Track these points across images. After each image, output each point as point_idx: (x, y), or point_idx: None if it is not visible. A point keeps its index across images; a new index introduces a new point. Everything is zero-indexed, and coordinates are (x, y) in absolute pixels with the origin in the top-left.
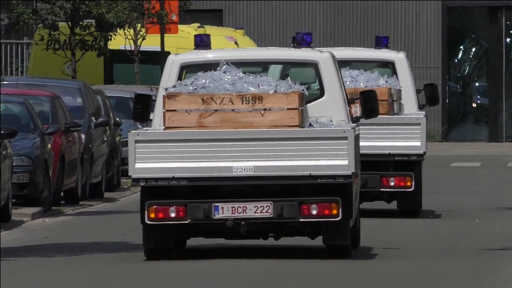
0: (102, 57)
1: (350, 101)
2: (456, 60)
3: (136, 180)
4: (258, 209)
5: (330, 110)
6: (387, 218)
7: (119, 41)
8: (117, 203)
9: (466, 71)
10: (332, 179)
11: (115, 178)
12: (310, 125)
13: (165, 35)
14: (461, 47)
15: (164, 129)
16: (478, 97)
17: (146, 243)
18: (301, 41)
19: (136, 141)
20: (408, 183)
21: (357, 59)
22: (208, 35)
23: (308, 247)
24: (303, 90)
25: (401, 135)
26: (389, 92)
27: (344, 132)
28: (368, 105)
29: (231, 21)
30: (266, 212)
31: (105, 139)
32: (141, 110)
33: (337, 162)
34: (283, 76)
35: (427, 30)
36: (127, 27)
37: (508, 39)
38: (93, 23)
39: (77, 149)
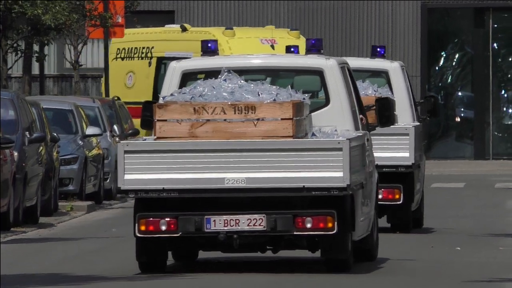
0: (153, 67)
1: (366, 109)
2: (437, 68)
3: (125, 192)
4: (251, 222)
5: (335, 119)
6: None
7: (164, 46)
8: (55, 229)
9: (449, 80)
10: (327, 191)
11: (52, 201)
12: (313, 134)
13: (188, 37)
14: (443, 53)
15: (154, 139)
16: (462, 109)
17: (139, 257)
18: (311, 47)
19: (126, 152)
20: (397, 196)
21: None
22: (215, 41)
23: (312, 260)
24: (303, 99)
25: (389, 146)
26: None
27: (339, 143)
28: (384, 113)
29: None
30: (259, 225)
31: (40, 157)
32: (150, 117)
33: (332, 174)
34: (275, 84)
35: (404, 34)
36: (66, 31)
37: (495, 44)
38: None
39: (9, 168)
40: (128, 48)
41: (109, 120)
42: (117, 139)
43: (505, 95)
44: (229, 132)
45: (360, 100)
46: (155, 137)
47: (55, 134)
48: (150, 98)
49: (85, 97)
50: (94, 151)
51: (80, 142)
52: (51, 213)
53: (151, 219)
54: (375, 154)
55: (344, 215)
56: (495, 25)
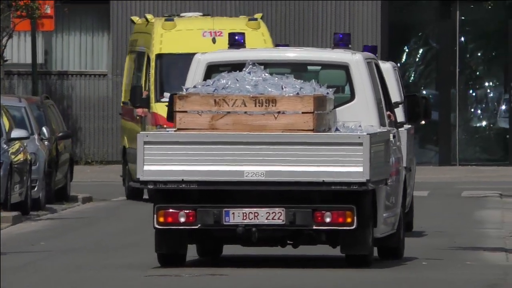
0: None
1: (394, 105)
2: (399, 64)
3: (144, 183)
4: (270, 216)
5: (360, 114)
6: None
7: (141, 39)
8: None
9: (412, 77)
10: (346, 186)
11: None
12: (337, 129)
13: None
14: (405, 48)
15: (175, 131)
16: None
17: (158, 249)
18: (339, 41)
19: (145, 143)
20: None
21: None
22: (243, 34)
23: (331, 257)
24: (327, 93)
25: None
26: None
27: (359, 138)
28: (413, 109)
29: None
30: (278, 218)
31: None
32: None
33: (352, 168)
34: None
35: (363, 27)
36: None
37: (463, 38)
38: None
39: None
40: (131, 41)
41: (37, 121)
42: (46, 142)
43: (473, 94)
44: (249, 125)
45: (389, 96)
46: (175, 128)
47: None
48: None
49: (10, 96)
50: (20, 156)
51: (5, 146)
52: None
53: (170, 210)
54: None
55: (364, 210)
56: (463, 17)
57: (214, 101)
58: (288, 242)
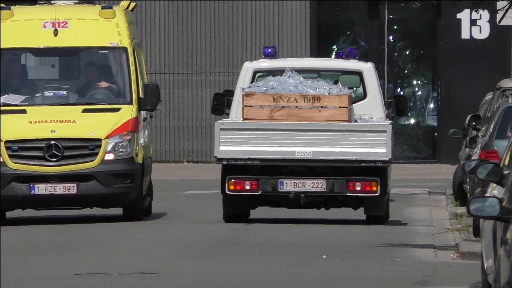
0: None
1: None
2: None
3: (220, 160)
4: (314, 185)
5: (371, 109)
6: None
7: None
8: None
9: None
10: (374, 163)
11: None
12: (355, 121)
13: None
14: (334, 47)
15: (242, 120)
16: None
17: (225, 209)
18: (348, 53)
19: (221, 129)
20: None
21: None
22: (274, 48)
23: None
24: (351, 93)
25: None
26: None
27: (384, 126)
28: (399, 106)
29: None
30: (321, 187)
31: None
32: (218, 106)
33: (378, 150)
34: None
35: (291, 27)
36: None
37: (391, 37)
38: None
39: None
40: None
41: None
42: None
43: (402, 93)
44: (300, 116)
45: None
46: (242, 118)
47: None
48: None
49: None
50: None
51: None
52: None
53: (238, 180)
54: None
55: (384, 181)
56: (391, 16)
57: (273, 98)
58: (321, 206)
